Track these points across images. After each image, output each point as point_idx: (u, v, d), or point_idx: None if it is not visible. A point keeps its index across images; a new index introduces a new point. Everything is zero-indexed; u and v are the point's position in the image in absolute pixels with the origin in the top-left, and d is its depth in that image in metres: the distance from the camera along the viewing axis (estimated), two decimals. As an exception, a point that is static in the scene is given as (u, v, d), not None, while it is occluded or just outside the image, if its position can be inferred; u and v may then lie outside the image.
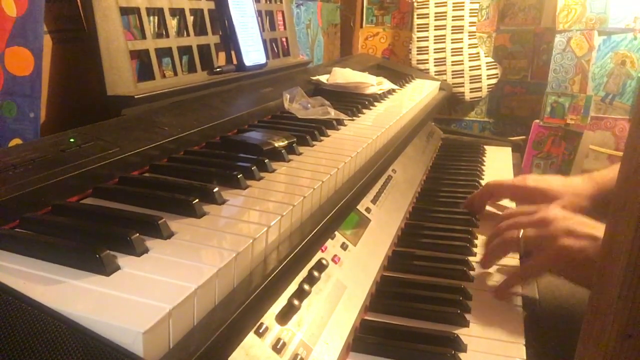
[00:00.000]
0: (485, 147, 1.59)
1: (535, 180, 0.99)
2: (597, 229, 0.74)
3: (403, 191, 1.09)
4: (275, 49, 1.38)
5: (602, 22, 2.02)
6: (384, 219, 0.93)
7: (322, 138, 0.87)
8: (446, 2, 2.24)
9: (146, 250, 0.45)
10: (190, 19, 1.03)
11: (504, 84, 2.32)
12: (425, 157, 1.39)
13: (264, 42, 1.23)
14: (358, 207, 0.86)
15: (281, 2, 1.42)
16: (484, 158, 1.48)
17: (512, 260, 0.87)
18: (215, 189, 0.57)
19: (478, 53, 2.27)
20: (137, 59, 0.93)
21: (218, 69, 1.06)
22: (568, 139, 2.16)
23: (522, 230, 0.81)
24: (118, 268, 0.42)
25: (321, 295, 0.65)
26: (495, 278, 0.84)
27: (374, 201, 0.93)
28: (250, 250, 0.49)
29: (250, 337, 0.52)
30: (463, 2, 2.23)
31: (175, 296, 0.39)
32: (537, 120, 2.19)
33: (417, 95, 1.38)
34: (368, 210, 0.89)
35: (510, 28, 2.27)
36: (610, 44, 2.05)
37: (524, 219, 0.83)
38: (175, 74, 0.96)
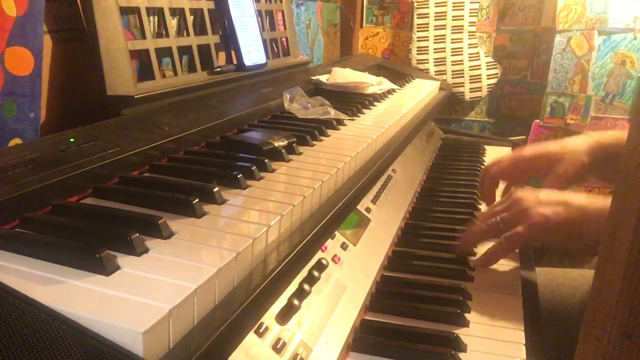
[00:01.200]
0: (485, 147, 1.59)
1: (532, 148, 1.00)
2: (567, 195, 0.80)
3: (403, 191, 1.09)
4: (275, 49, 1.38)
5: (602, 22, 2.02)
6: (384, 219, 0.93)
7: (322, 138, 0.87)
8: (446, 2, 2.24)
9: (146, 250, 0.45)
10: (190, 19, 1.03)
11: (504, 84, 2.32)
12: (425, 157, 1.39)
13: (264, 42, 1.23)
14: (358, 207, 0.86)
15: (281, 2, 1.42)
16: (484, 158, 1.48)
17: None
18: (215, 189, 0.57)
19: (478, 53, 2.27)
20: (137, 59, 0.93)
21: (218, 69, 1.06)
22: (568, 139, 2.15)
23: (498, 217, 0.84)
24: (118, 268, 0.42)
25: (321, 295, 0.65)
26: (496, 278, 0.84)
27: (374, 201, 0.93)
28: (250, 250, 0.49)
29: (250, 337, 0.52)
30: (463, 2, 2.23)
31: (175, 296, 0.39)
32: (537, 120, 2.19)
33: (417, 95, 1.38)
34: (368, 210, 0.89)
35: (510, 28, 2.27)
36: (610, 44, 2.05)
37: (498, 207, 0.86)
38: (175, 73, 0.96)
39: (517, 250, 0.90)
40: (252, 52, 1.16)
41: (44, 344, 0.35)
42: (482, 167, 1.39)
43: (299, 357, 0.56)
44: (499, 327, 0.72)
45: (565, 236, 0.79)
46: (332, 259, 0.72)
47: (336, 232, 0.77)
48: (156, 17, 0.97)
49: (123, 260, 0.43)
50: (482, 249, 0.88)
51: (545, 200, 0.80)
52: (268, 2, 1.36)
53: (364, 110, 1.10)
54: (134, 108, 0.81)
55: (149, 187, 0.59)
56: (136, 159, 0.64)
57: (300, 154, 0.77)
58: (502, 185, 1.06)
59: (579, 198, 0.79)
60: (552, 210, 0.78)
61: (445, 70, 2.29)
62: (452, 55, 2.28)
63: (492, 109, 2.38)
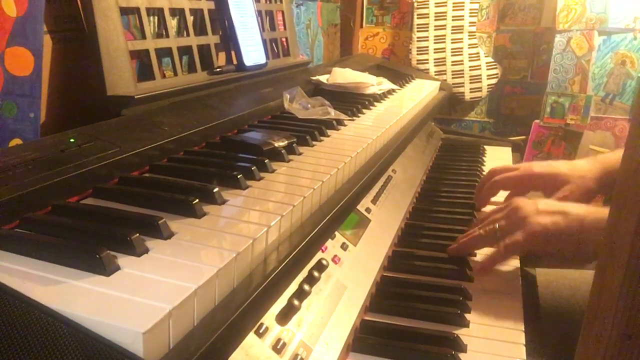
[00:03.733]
0: (485, 147, 1.59)
1: (541, 166, 1.00)
2: (565, 205, 0.80)
3: (403, 191, 1.09)
4: (275, 49, 1.38)
5: (602, 22, 2.02)
6: (384, 219, 0.93)
7: (322, 138, 0.87)
8: (446, 2, 2.24)
9: (146, 251, 0.45)
10: (190, 19, 1.03)
11: (504, 84, 2.32)
12: (425, 157, 1.39)
13: (264, 42, 1.23)
14: (358, 207, 0.86)
15: (281, 2, 1.42)
16: (484, 158, 1.48)
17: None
18: (216, 189, 0.57)
19: (478, 53, 2.27)
20: (137, 59, 0.93)
21: (218, 69, 1.06)
22: (568, 139, 2.16)
23: (497, 224, 0.84)
24: (118, 268, 0.42)
25: (321, 296, 0.65)
26: (496, 278, 0.84)
27: (374, 201, 0.93)
28: (250, 250, 0.49)
29: (250, 337, 0.52)
30: (463, 2, 2.23)
31: (175, 296, 0.39)
32: (537, 120, 2.19)
33: (417, 95, 1.38)
34: (368, 210, 0.89)
35: (510, 28, 2.28)
36: (610, 44, 2.05)
37: (497, 214, 0.86)
38: (175, 74, 0.96)
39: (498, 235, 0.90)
40: (252, 52, 1.16)
41: (44, 344, 0.35)
42: (482, 167, 1.39)
43: (299, 357, 0.56)
44: (499, 327, 0.72)
45: (563, 246, 0.78)
46: (332, 259, 0.72)
47: (336, 233, 0.76)
48: (156, 17, 0.97)
49: (123, 260, 0.43)
50: (481, 251, 0.89)
51: (544, 210, 0.80)
52: (268, 2, 1.36)
53: (364, 111, 1.10)
54: (134, 108, 0.81)
55: (149, 187, 0.59)
56: (136, 159, 0.64)
57: (300, 154, 0.77)
58: (502, 193, 1.06)
59: (577, 208, 0.79)
60: (550, 219, 0.78)
61: (445, 71, 2.29)
62: (452, 55, 2.28)
63: (492, 109, 2.38)
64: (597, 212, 0.77)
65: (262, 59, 1.19)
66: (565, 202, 0.86)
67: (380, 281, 0.81)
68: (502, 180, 1.02)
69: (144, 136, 0.69)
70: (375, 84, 1.27)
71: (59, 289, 0.39)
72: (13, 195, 0.49)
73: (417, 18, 2.28)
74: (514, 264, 0.88)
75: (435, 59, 2.29)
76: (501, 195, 1.07)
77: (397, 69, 1.82)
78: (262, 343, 0.53)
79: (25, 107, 0.76)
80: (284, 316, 0.58)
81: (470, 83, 2.29)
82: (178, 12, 1.01)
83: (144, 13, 0.90)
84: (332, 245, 0.74)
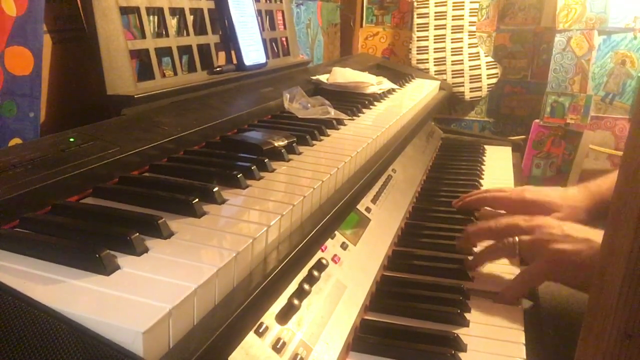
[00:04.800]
0: (485, 146, 1.59)
1: (533, 192, 0.99)
2: (591, 233, 0.76)
3: (403, 191, 1.09)
4: (275, 48, 1.38)
5: (602, 21, 2.02)
6: (384, 219, 0.93)
7: (322, 138, 0.87)
8: (446, 2, 2.24)
9: (146, 250, 0.45)
10: (190, 19, 1.03)
11: (504, 84, 2.32)
12: (425, 156, 1.39)
13: (264, 41, 1.23)
14: (358, 206, 0.86)
15: (281, 1, 1.41)
16: (484, 158, 1.48)
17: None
18: (215, 189, 0.57)
19: (478, 53, 2.27)
20: (137, 59, 0.93)
21: (218, 69, 1.06)
22: (568, 139, 2.16)
23: (517, 238, 0.81)
24: (118, 268, 0.42)
25: (321, 295, 0.65)
26: (496, 278, 0.84)
27: (374, 201, 0.93)
28: (250, 250, 0.49)
29: (250, 336, 0.52)
30: (463, 2, 2.23)
31: (175, 296, 0.39)
32: (537, 120, 2.19)
33: (417, 94, 1.38)
34: (368, 210, 0.89)
35: (510, 28, 2.28)
36: (610, 43, 2.05)
37: (522, 224, 0.83)
38: (175, 73, 0.96)
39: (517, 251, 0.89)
40: (252, 52, 1.16)
41: (44, 344, 0.35)
42: (482, 167, 1.39)
43: (299, 357, 0.56)
44: (499, 327, 0.71)
45: (583, 275, 0.74)
46: (332, 259, 0.72)
47: (336, 232, 0.76)
48: (156, 17, 0.97)
49: (123, 260, 0.43)
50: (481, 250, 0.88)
51: (569, 235, 0.76)
52: (268, 2, 1.36)
53: (364, 110, 1.10)
54: (134, 108, 0.81)
55: (149, 187, 0.59)
56: (136, 159, 0.64)
57: (300, 153, 0.77)
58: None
59: (601, 236, 0.77)
60: (574, 248, 0.74)
61: (445, 70, 2.29)
62: (452, 55, 2.28)
63: (492, 108, 2.38)
64: None
65: (262, 59, 1.19)
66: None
67: (380, 281, 0.81)
68: (493, 198, 1.02)
69: (144, 136, 0.69)
70: (375, 83, 1.27)
71: (59, 288, 0.39)
72: (13, 195, 0.49)
73: (417, 18, 2.28)
74: (514, 264, 0.88)
75: (435, 59, 2.29)
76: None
77: (397, 68, 1.82)
78: (262, 342, 0.53)
79: (25, 107, 0.76)
80: (284, 316, 0.58)
81: (470, 83, 2.29)
82: (178, 12, 1.01)
83: (143, 13, 0.90)
84: (332, 245, 0.74)
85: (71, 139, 0.63)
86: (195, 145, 0.76)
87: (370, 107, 1.14)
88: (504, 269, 0.86)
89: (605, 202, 0.91)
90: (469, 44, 2.27)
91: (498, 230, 0.84)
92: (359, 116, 1.05)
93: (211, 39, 1.07)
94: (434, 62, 2.29)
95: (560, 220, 0.81)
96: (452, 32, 2.27)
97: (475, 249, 0.91)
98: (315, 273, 0.66)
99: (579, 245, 0.74)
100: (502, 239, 0.82)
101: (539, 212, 0.92)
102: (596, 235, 0.76)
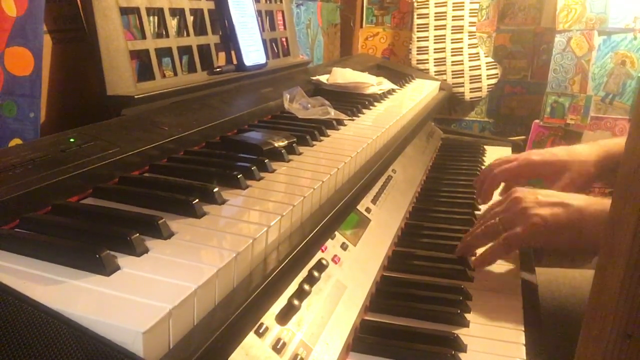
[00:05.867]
0: (485, 147, 1.59)
1: (540, 154, 0.99)
2: (566, 196, 0.79)
3: (403, 191, 1.09)
4: (275, 49, 1.38)
5: (602, 22, 2.02)
6: (384, 219, 0.93)
7: (322, 138, 0.87)
8: (446, 2, 2.24)
9: (146, 250, 0.45)
10: (190, 19, 1.03)
11: (504, 84, 2.32)
12: (425, 157, 1.39)
13: (264, 42, 1.23)
14: (358, 207, 0.86)
15: (281, 2, 1.42)
16: (484, 158, 1.48)
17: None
18: (216, 189, 0.57)
19: (478, 53, 2.27)
20: (137, 59, 0.93)
21: (218, 69, 1.06)
22: (568, 139, 2.16)
23: (497, 218, 0.83)
24: (118, 268, 0.42)
25: (321, 295, 0.65)
26: (496, 278, 0.84)
27: (374, 201, 0.93)
28: (250, 250, 0.49)
29: (250, 337, 0.52)
30: (463, 2, 2.23)
31: (175, 296, 0.39)
32: (537, 120, 2.19)
33: (417, 95, 1.38)
34: (368, 210, 0.89)
35: (510, 28, 2.27)
36: (610, 44, 2.05)
37: (497, 207, 0.86)
38: (175, 74, 0.96)
39: (517, 251, 0.89)
40: (252, 52, 1.16)
41: (44, 344, 0.35)
42: (482, 167, 1.39)
43: (299, 357, 0.56)
44: (499, 327, 0.71)
45: (564, 238, 0.78)
46: (332, 259, 0.72)
47: (336, 232, 0.76)
48: (156, 17, 0.97)
49: (123, 260, 0.43)
50: (482, 248, 0.88)
51: (544, 201, 0.79)
52: (268, 2, 1.36)
53: (364, 110, 1.10)
54: (134, 108, 0.81)
55: (149, 187, 0.59)
56: (136, 159, 0.64)
57: (300, 154, 0.77)
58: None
59: (578, 199, 0.78)
60: (550, 211, 0.77)
61: (445, 70, 2.29)
62: (452, 55, 2.28)
63: (492, 109, 2.38)
64: (597, 203, 0.77)
65: (262, 59, 1.19)
66: (566, 191, 0.86)
67: (380, 281, 0.81)
68: (502, 172, 1.02)
69: (144, 136, 0.69)
70: (375, 84, 1.27)
71: (59, 288, 0.39)
72: (13, 195, 0.49)
73: (417, 18, 2.28)
74: (514, 264, 0.88)
75: (435, 59, 2.29)
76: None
77: (397, 69, 1.82)
78: (262, 343, 0.53)
79: (25, 107, 0.76)
80: (284, 316, 0.58)
81: (470, 83, 2.29)
82: (178, 12, 1.01)
83: (144, 13, 0.90)
84: (332, 245, 0.74)
85: (71, 139, 0.63)
86: (195, 146, 0.76)
87: (370, 107, 1.14)
88: (504, 268, 0.87)
89: (615, 156, 0.91)
90: (469, 45, 2.27)
91: (487, 231, 0.84)
92: (359, 116, 1.05)
93: (211, 39, 1.07)
94: (434, 62, 2.29)
95: (530, 189, 0.83)
96: (452, 33, 2.27)
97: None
98: (315, 273, 0.66)
99: (555, 209, 0.77)
100: (496, 235, 0.83)
101: (549, 172, 0.94)
102: (573, 198, 0.79)
